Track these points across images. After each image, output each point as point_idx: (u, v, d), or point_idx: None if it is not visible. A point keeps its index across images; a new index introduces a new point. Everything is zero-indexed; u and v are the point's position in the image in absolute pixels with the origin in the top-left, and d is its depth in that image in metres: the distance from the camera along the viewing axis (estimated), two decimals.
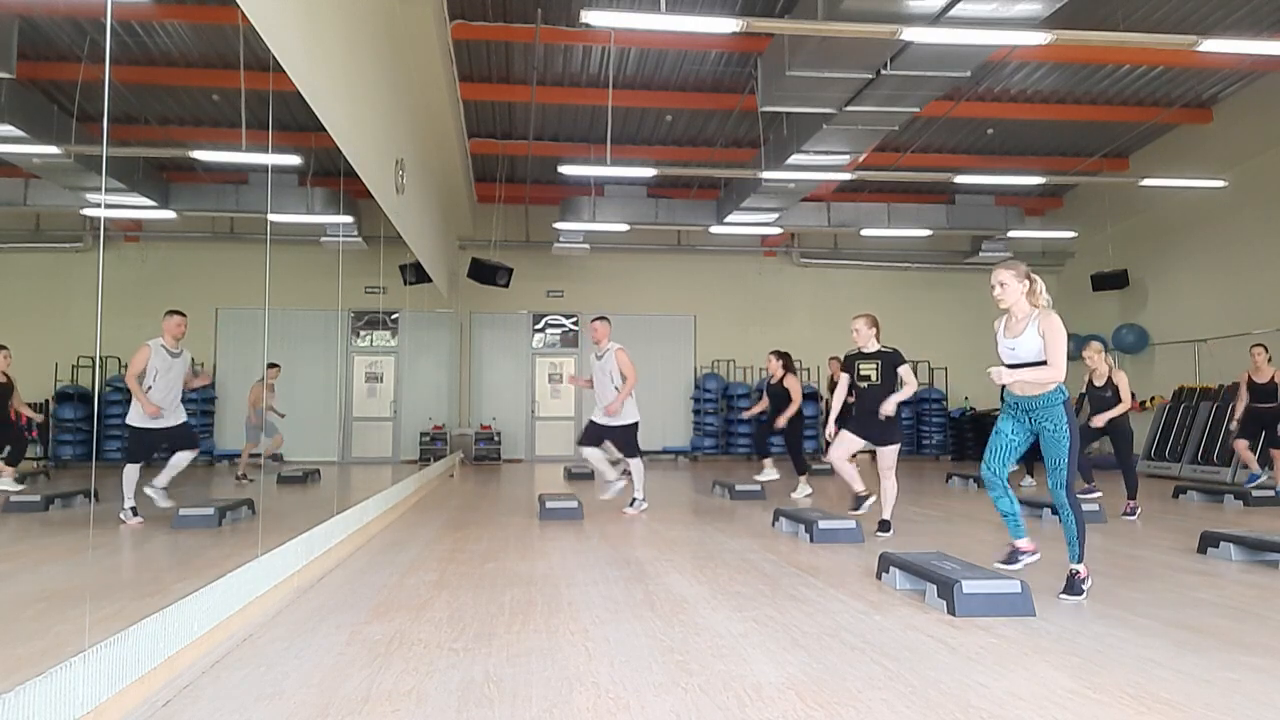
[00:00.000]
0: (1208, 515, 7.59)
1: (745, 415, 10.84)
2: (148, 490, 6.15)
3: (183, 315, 6.47)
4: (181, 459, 6.39)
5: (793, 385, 9.16)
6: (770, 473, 9.56)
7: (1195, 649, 3.25)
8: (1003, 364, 4.24)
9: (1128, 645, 3.30)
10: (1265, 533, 5.43)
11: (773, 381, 9.39)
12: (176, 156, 10.92)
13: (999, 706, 2.62)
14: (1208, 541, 5.46)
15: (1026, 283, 4.20)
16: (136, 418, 6.21)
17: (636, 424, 7.60)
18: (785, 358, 9.32)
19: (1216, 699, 2.69)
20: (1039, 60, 10.63)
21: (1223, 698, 2.70)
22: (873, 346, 6.36)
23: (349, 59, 5.75)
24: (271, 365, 9.43)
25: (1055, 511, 4.26)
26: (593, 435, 7.63)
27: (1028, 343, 4.12)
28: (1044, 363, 4.06)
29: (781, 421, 9.19)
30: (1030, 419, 4.21)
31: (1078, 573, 4.12)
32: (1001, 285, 4.24)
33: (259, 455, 9.47)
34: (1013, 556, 4.33)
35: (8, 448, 6.57)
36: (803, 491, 9.13)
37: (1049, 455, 4.15)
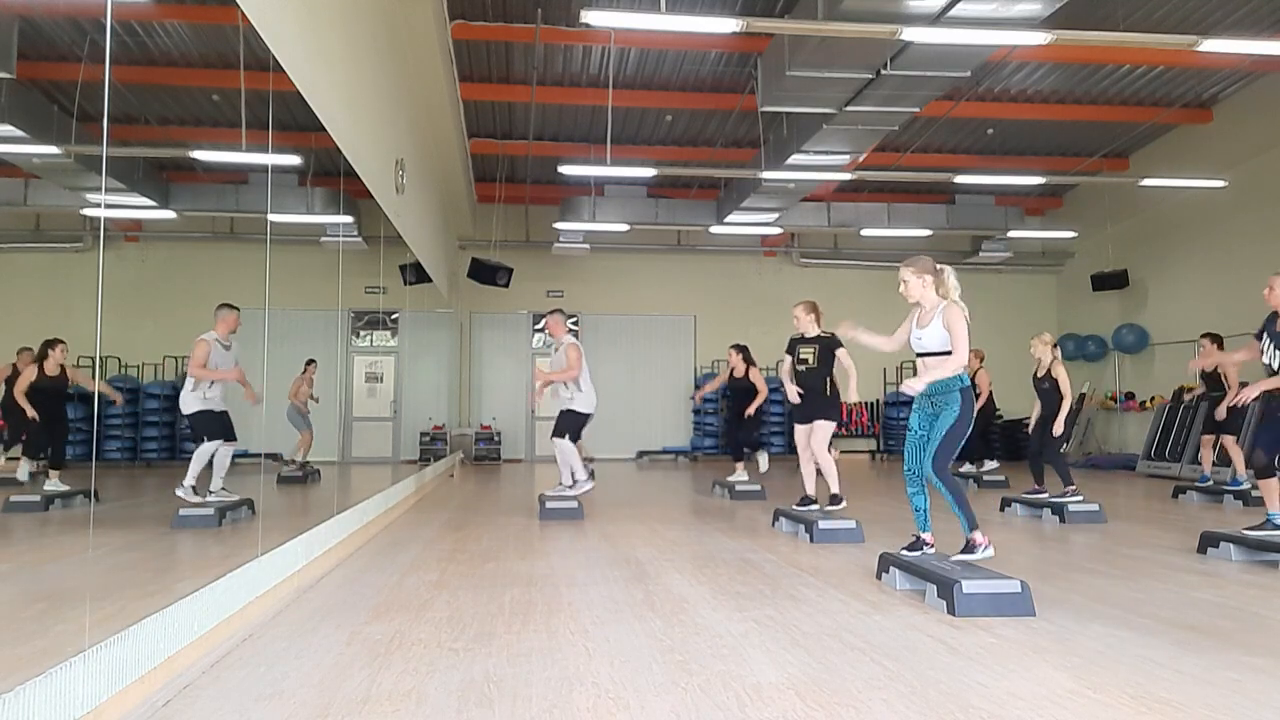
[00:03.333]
0: (1208, 515, 7.59)
1: (696, 397, 11.04)
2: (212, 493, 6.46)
3: (237, 310, 6.79)
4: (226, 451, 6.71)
5: (756, 378, 9.53)
6: (740, 474, 9.42)
7: (1195, 649, 3.25)
8: (915, 353, 4.51)
9: (1128, 645, 3.30)
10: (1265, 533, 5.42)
11: (735, 375, 9.65)
12: (176, 156, 10.91)
13: (999, 706, 2.62)
14: (1208, 541, 5.46)
15: (928, 277, 4.43)
16: (199, 401, 6.52)
17: (579, 413, 7.53)
18: (744, 351, 9.64)
19: (1216, 699, 2.69)
20: (1039, 60, 10.62)
21: (1223, 698, 2.70)
22: (813, 331, 6.79)
23: (349, 59, 5.75)
24: (310, 361, 9.67)
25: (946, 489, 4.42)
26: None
27: (933, 333, 4.37)
28: (948, 353, 4.29)
29: (750, 410, 9.55)
30: (932, 404, 4.40)
31: (971, 539, 4.34)
32: (904, 283, 4.52)
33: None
34: (916, 544, 4.58)
35: (49, 449, 6.77)
36: (739, 476, 9.27)
37: (934, 433, 4.34)
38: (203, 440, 6.49)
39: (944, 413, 4.31)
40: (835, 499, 6.75)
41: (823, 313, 6.89)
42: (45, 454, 6.67)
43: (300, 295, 8.06)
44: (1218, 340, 8.79)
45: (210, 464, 6.55)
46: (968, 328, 4.32)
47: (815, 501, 6.69)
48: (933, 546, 4.59)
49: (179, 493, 6.18)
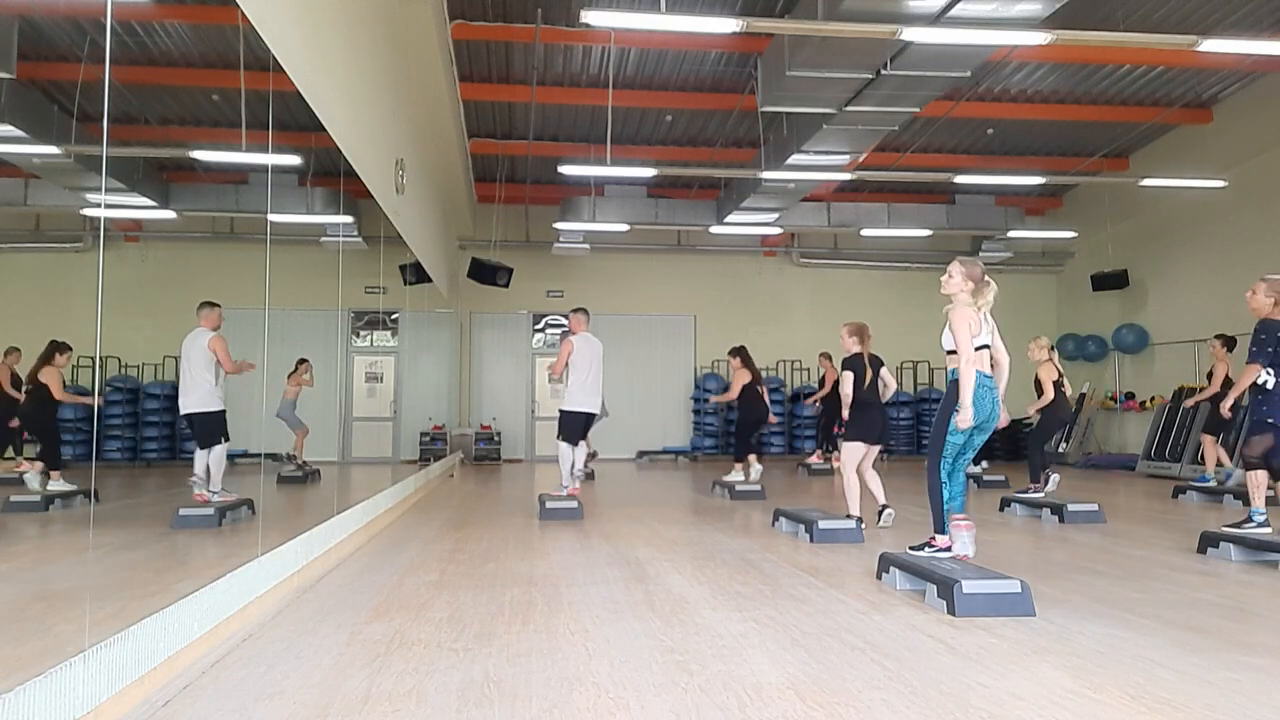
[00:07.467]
0: (1208, 515, 7.58)
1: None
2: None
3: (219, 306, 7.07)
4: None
5: (735, 380, 9.91)
6: (740, 474, 9.83)
7: (1195, 649, 3.25)
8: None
9: (1128, 645, 3.30)
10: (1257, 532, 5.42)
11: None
12: (176, 156, 10.92)
13: (999, 706, 2.62)
14: (1208, 541, 5.46)
15: (971, 284, 4.62)
16: (219, 400, 6.77)
17: (567, 413, 7.77)
18: (741, 353, 9.98)
19: (1216, 699, 2.69)
20: (1039, 60, 10.62)
21: (1223, 698, 2.70)
22: (855, 350, 6.78)
23: (349, 59, 5.74)
24: (302, 361, 9.74)
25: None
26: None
27: (946, 332, 4.64)
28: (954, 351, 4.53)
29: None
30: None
31: (930, 539, 4.64)
32: (949, 275, 4.71)
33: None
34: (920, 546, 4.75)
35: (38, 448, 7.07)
36: (735, 476, 9.67)
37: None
38: (220, 440, 6.76)
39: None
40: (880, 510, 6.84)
41: (870, 336, 6.83)
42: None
43: (300, 295, 8.07)
44: (1229, 342, 9.12)
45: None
46: (969, 328, 4.48)
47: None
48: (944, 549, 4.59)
49: (207, 495, 6.48)
